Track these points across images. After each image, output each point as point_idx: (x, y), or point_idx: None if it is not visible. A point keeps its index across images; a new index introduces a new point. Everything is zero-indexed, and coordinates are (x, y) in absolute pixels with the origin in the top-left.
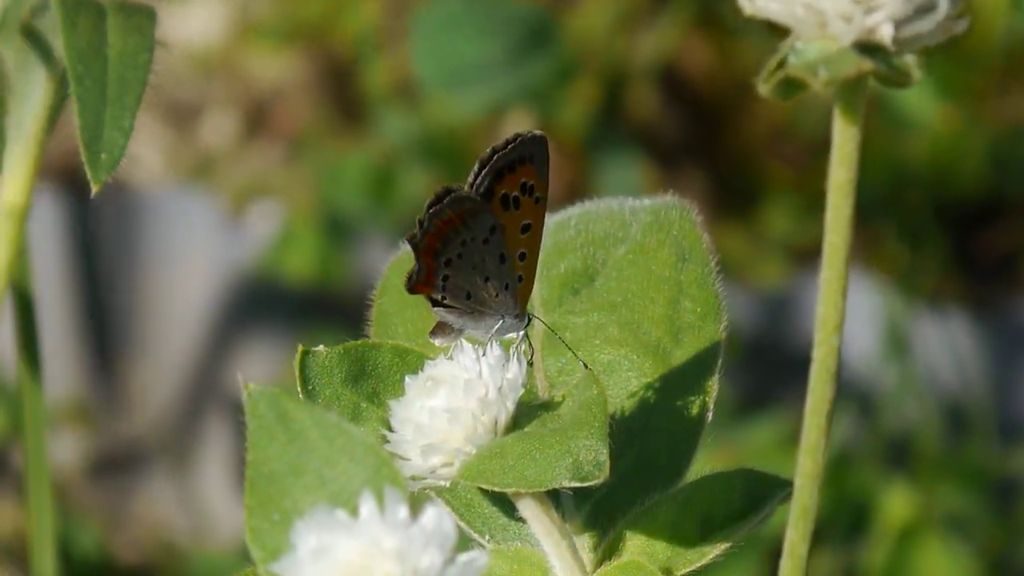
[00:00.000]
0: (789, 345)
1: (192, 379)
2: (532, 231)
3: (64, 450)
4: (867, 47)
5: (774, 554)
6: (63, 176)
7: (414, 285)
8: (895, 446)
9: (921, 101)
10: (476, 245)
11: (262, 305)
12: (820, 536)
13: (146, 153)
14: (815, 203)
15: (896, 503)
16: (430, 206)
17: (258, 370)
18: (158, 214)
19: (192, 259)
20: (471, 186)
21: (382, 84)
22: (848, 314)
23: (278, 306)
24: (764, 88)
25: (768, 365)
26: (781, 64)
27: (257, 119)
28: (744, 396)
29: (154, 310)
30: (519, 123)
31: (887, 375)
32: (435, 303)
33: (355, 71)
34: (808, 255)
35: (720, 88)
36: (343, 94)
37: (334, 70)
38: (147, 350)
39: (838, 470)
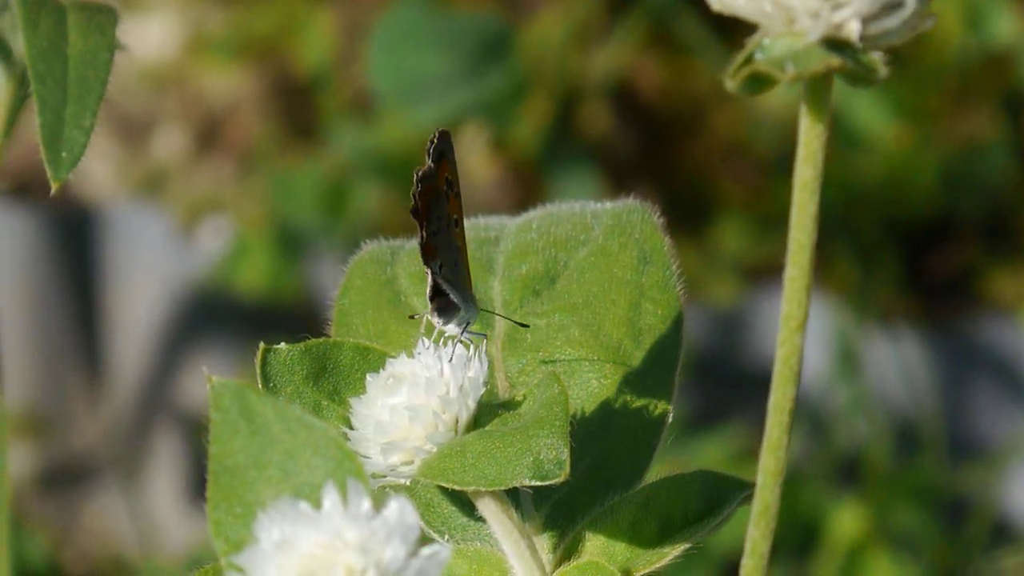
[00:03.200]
0: (740, 363)
1: (143, 392)
2: (460, 225)
3: (14, 462)
4: (834, 44)
5: (727, 567)
6: (14, 190)
7: (424, 251)
8: (846, 464)
9: (874, 120)
10: (444, 224)
11: (213, 319)
12: (770, 553)
13: (98, 167)
14: (767, 222)
15: (846, 520)
16: (417, 176)
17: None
18: (109, 229)
19: (143, 273)
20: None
21: (335, 99)
22: None
23: (229, 320)
24: (731, 84)
25: (719, 383)
26: (748, 60)
27: (209, 134)
28: (695, 413)
29: (105, 323)
30: (474, 138)
31: (838, 393)
32: (435, 271)
33: (308, 86)
34: (760, 274)
35: (673, 106)
36: (296, 109)
37: (287, 85)
38: (98, 363)
39: (789, 487)
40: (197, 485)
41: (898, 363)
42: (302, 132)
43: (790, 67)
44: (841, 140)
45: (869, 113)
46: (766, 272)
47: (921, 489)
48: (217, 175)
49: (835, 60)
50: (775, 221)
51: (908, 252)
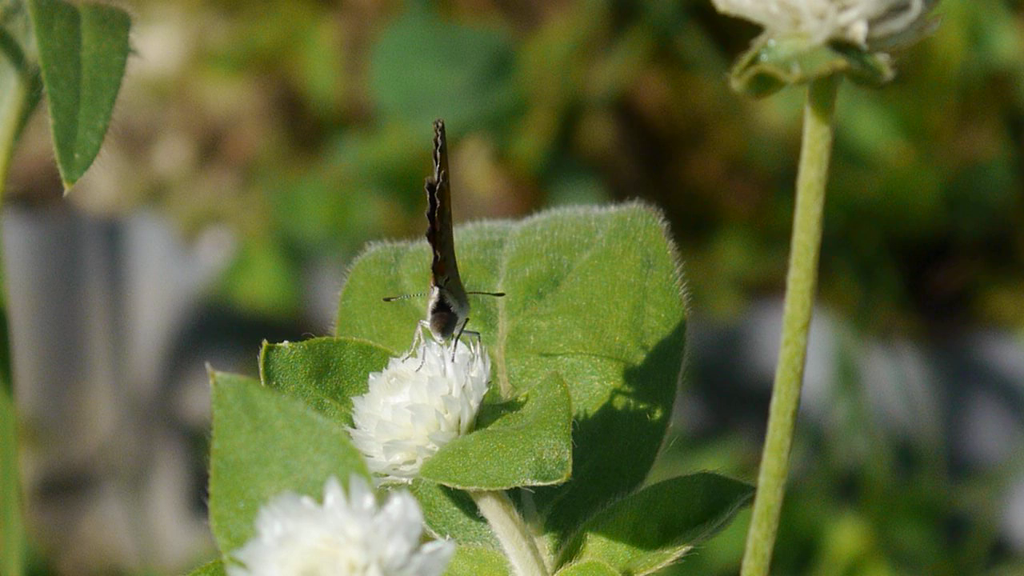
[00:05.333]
0: (741, 379)
1: (144, 403)
2: (450, 216)
3: None
4: (840, 45)
5: None
6: (16, 201)
7: (435, 271)
8: (845, 480)
9: (876, 137)
10: (446, 224)
11: (215, 331)
12: (769, 567)
13: (100, 179)
14: (769, 239)
15: (845, 536)
16: (430, 187)
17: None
18: (111, 240)
19: (145, 284)
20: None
21: (337, 112)
22: None
23: (231, 333)
24: (737, 84)
25: (719, 397)
26: (754, 61)
27: (211, 146)
28: (696, 427)
29: (107, 334)
30: (475, 152)
31: (838, 409)
32: (439, 284)
33: (310, 99)
34: (761, 290)
35: (675, 122)
36: (298, 121)
37: (289, 98)
38: (100, 373)
39: (788, 502)
40: (198, 497)
41: (898, 380)
42: (304, 144)
43: (796, 68)
44: (843, 157)
45: (871, 130)
46: (767, 288)
47: (920, 506)
48: (219, 187)
49: (841, 61)
50: (776, 238)
51: (908, 269)
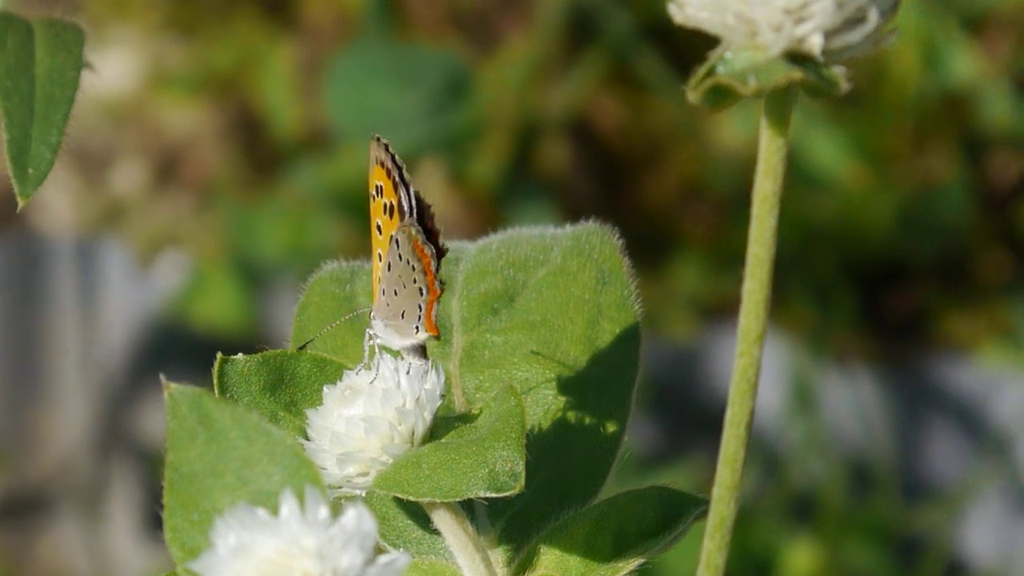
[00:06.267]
0: (696, 400)
1: (101, 424)
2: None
3: None
4: (796, 57)
5: None
6: None
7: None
8: (800, 501)
9: (832, 159)
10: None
11: (173, 352)
12: None
13: (56, 200)
14: (724, 261)
15: (800, 558)
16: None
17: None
18: (68, 261)
19: (102, 306)
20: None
21: (294, 134)
22: None
23: (187, 354)
24: (692, 96)
25: (676, 418)
26: (710, 73)
27: (168, 168)
28: (651, 448)
29: (63, 355)
30: (431, 174)
31: (793, 431)
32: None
33: (266, 121)
34: (716, 312)
35: (631, 144)
36: (254, 144)
37: (245, 121)
38: (56, 394)
39: (742, 524)
40: (154, 518)
41: (853, 402)
42: (261, 167)
43: (752, 80)
44: (799, 179)
45: (827, 152)
46: (723, 310)
47: (875, 528)
48: (176, 209)
49: (797, 73)
50: (732, 260)
51: (864, 292)
